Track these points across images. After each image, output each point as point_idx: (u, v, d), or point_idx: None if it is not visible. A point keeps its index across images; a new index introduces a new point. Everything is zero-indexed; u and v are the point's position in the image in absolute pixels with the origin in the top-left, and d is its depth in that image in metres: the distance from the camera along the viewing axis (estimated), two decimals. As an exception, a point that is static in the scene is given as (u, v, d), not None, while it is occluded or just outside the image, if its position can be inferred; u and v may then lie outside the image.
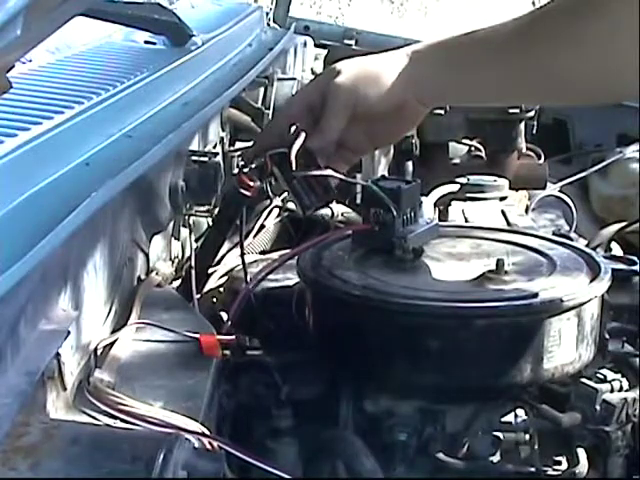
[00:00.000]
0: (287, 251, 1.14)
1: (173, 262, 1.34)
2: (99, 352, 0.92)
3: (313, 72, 2.60)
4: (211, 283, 1.36)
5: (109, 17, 1.38)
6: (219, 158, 1.28)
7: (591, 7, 0.96)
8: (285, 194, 1.47)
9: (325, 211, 1.55)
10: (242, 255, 1.19)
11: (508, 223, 1.52)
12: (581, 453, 1.07)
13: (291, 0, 2.76)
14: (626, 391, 1.10)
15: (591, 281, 1.09)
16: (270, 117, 1.81)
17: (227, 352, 1.11)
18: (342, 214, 1.56)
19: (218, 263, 1.43)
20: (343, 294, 1.06)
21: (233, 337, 1.05)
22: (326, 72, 1.09)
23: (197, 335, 0.99)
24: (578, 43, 0.97)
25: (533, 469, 1.05)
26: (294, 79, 2.06)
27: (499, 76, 1.04)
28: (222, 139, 1.63)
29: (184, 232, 1.35)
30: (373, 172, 1.95)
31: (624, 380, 1.10)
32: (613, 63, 0.96)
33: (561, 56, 0.98)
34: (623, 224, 1.70)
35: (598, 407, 1.07)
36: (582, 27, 0.96)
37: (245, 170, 1.04)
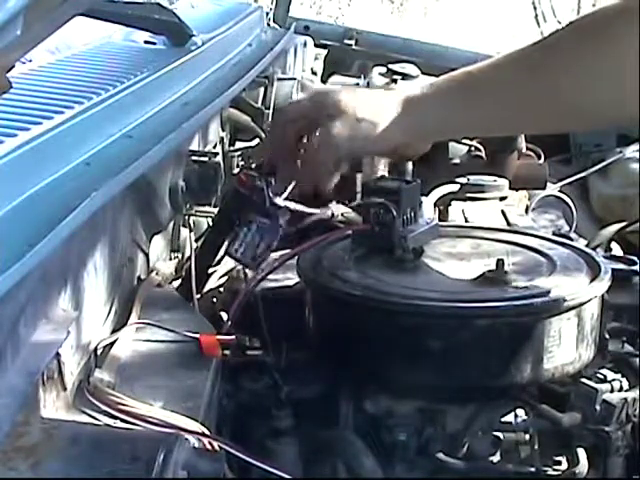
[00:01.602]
0: (287, 251, 1.14)
1: (172, 259, 1.34)
2: (99, 352, 0.92)
3: (313, 72, 2.60)
4: (211, 283, 1.36)
5: (109, 17, 1.38)
6: (219, 158, 1.28)
7: (596, 35, 0.96)
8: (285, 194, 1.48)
9: (325, 211, 1.55)
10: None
11: (508, 223, 1.52)
12: (581, 453, 1.07)
13: (291, 0, 2.76)
14: (626, 391, 1.10)
15: (591, 281, 1.09)
16: (270, 118, 1.81)
17: (227, 352, 1.11)
18: (342, 214, 1.56)
19: (218, 263, 1.43)
20: (343, 294, 1.06)
21: (233, 337, 1.04)
22: (320, 104, 1.06)
23: (197, 335, 0.99)
24: (585, 72, 0.98)
25: (533, 469, 1.05)
26: (294, 79, 2.06)
27: (503, 108, 1.04)
28: (222, 139, 1.64)
29: (184, 232, 1.35)
30: (373, 172, 1.95)
31: (624, 380, 1.10)
32: (621, 90, 0.96)
33: (569, 85, 0.98)
34: (623, 224, 1.70)
35: (598, 407, 1.07)
36: (589, 55, 0.97)
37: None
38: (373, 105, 1.05)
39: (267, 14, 2.52)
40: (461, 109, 1.05)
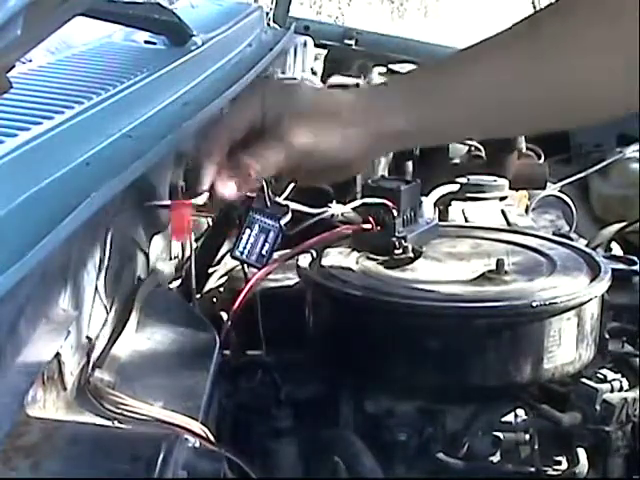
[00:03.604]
0: (287, 251, 1.14)
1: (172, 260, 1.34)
2: (99, 352, 0.92)
3: (313, 72, 2.61)
4: (211, 283, 1.36)
5: (109, 17, 1.38)
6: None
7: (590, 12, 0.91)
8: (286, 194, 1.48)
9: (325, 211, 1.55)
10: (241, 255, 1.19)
11: (508, 223, 1.52)
12: (581, 453, 1.07)
13: (291, 0, 2.76)
14: (626, 391, 1.10)
15: (591, 281, 1.09)
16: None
17: (227, 352, 1.11)
18: (342, 214, 1.56)
19: (218, 263, 1.43)
20: (343, 294, 1.06)
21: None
22: (280, 101, 0.95)
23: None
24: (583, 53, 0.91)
25: (533, 469, 1.05)
26: (294, 79, 2.06)
27: (484, 108, 0.93)
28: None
29: (184, 232, 1.34)
30: (373, 172, 1.95)
31: (624, 380, 1.10)
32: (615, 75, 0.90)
33: (559, 68, 0.91)
34: (623, 224, 1.70)
35: (598, 407, 1.07)
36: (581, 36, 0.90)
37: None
38: (336, 104, 0.95)
39: (267, 14, 2.52)
40: (430, 111, 0.94)
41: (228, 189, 0.94)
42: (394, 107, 0.94)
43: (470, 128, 0.99)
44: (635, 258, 1.26)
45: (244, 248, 1.02)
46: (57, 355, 0.79)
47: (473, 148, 2.09)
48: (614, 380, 1.09)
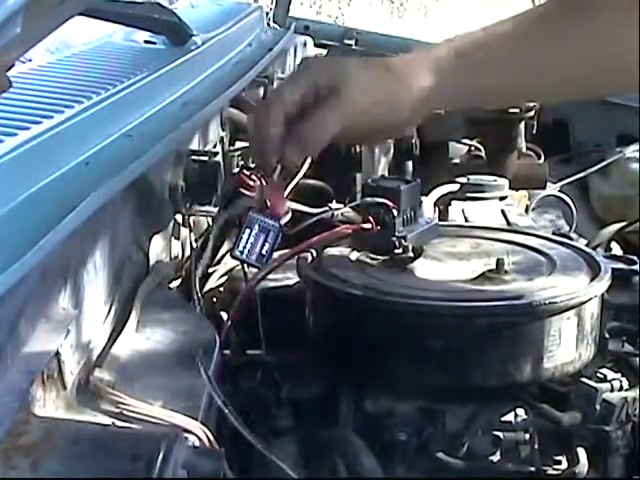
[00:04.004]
0: (287, 251, 1.14)
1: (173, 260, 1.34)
2: (99, 352, 0.92)
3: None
4: (211, 283, 1.36)
5: (109, 17, 1.38)
6: (219, 158, 1.28)
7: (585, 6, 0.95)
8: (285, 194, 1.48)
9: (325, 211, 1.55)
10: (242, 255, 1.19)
11: (508, 223, 1.52)
12: (581, 453, 1.07)
13: (291, 0, 2.77)
14: (626, 390, 1.10)
15: (591, 281, 1.09)
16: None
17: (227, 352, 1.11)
18: (342, 214, 1.56)
19: (218, 263, 1.43)
20: (343, 294, 1.06)
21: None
22: (338, 72, 0.96)
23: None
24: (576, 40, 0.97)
25: (533, 469, 1.05)
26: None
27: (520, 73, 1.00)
28: (222, 139, 1.63)
29: (184, 232, 1.34)
30: (373, 172, 1.95)
31: (624, 379, 1.10)
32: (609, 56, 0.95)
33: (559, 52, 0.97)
34: (623, 224, 1.70)
35: (598, 406, 1.07)
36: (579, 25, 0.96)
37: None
38: (391, 67, 0.99)
39: (267, 14, 2.52)
40: (481, 73, 0.99)
41: (295, 158, 0.96)
42: (449, 79, 0.98)
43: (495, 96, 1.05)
44: (635, 258, 1.26)
45: (244, 248, 1.02)
46: (57, 354, 0.79)
47: (473, 148, 2.09)
48: (614, 380, 1.09)
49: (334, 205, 1.53)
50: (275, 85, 1.82)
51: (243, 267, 1.13)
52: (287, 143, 0.94)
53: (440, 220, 1.46)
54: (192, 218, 1.34)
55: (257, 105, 0.98)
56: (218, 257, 1.44)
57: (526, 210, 1.84)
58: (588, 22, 0.97)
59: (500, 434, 1.05)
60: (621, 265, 1.23)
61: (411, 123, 1.08)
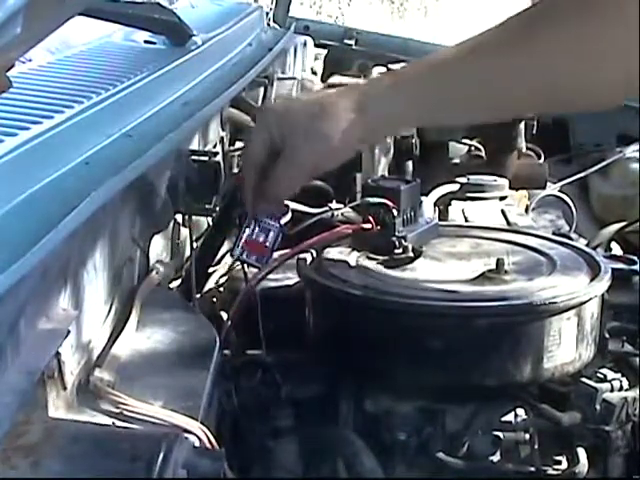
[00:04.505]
0: (287, 251, 1.14)
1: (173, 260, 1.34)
2: (99, 351, 0.92)
3: (313, 72, 2.60)
4: (211, 283, 1.36)
5: (109, 17, 1.38)
6: (219, 158, 1.28)
7: (582, 8, 0.93)
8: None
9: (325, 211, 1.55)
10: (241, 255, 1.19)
11: (508, 223, 1.52)
12: (581, 453, 1.07)
13: (291, 0, 2.76)
14: (626, 390, 1.10)
15: (591, 280, 1.09)
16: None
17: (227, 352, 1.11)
18: (342, 214, 1.56)
19: (218, 263, 1.43)
20: (343, 294, 1.06)
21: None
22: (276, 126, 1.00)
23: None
24: (576, 44, 0.93)
25: (533, 469, 1.05)
26: (294, 79, 2.06)
27: (483, 89, 0.97)
28: (222, 139, 1.63)
29: (184, 232, 1.34)
30: (373, 172, 1.95)
31: (624, 379, 1.10)
32: (609, 64, 0.92)
33: (559, 58, 0.93)
34: (623, 224, 1.70)
35: (598, 406, 1.07)
36: (578, 28, 0.93)
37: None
38: (326, 109, 0.98)
39: (267, 14, 2.52)
40: (434, 93, 0.98)
41: (270, 212, 1.03)
42: (387, 97, 0.98)
43: (468, 111, 1.02)
44: (635, 258, 1.26)
45: (243, 248, 1.02)
46: (57, 354, 0.79)
47: (473, 148, 2.09)
48: (614, 380, 1.10)
49: (334, 205, 1.53)
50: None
51: (243, 267, 1.13)
52: (259, 201, 1.01)
53: (440, 220, 1.46)
54: (192, 218, 1.34)
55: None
56: (218, 257, 1.44)
57: (526, 210, 1.84)
58: (559, 33, 0.93)
59: (500, 434, 1.05)
60: (621, 265, 1.23)
61: (363, 148, 1.14)
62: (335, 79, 2.31)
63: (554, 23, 0.93)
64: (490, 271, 1.08)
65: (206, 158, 1.25)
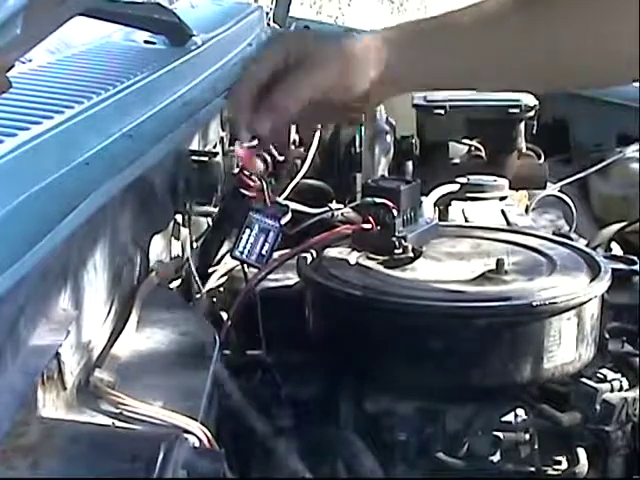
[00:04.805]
0: (287, 251, 1.14)
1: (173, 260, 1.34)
2: (99, 351, 0.92)
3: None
4: (211, 283, 1.36)
5: (109, 17, 1.38)
6: (219, 158, 1.28)
7: None
8: (285, 194, 1.48)
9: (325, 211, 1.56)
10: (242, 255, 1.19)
11: (508, 223, 1.52)
12: (581, 453, 1.07)
13: (291, 0, 2.76)
14: (626, 391, 1.10)
15: (591, 281, 1.09)
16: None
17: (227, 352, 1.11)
18: (342, 214, 1.56)
19: (218, 263, 1.43)
20: (343, 294, 1.06)
21: None
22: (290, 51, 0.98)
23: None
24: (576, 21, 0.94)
25: (533, 469, 1.05)
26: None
27: (488, 54, 0.98)
28: (222, 139, 1.63)
29: (184, 232, 1.34)
30: (373, 172, 1.95)
31: (624, 380, 1.10)
32: (610, 42, 0.93)
33: (560, 33, 0.94)
34: (623, 224, 1.70)
35: (598, 407, 1.07)
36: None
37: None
38: (343, 52, 0.98)
39: (267, 14, 2.52)
40: (443, 53, 0.98)
41: (266, 128, 0.97)
42: (412, 56, 0.98)
43: (473, 76, 1.02)
44: (635, 258, 1.26)
45: (244, 248, 1.02)
46: (57, 355, 0.79)
47: (473, 148, 2.09)
48: (614, 380, 1.10)
49: (334, 205, 1.53)
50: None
51: (243, 267, 1.13)
52: (258, 111, 0.96)
53: (440, 220, 1.46)
54: (192, 218, 1.34)
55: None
56: (218, 257, 1.44)
57: (526, 210, 1.84)
58: (562, 12, 0.94)
59: (500, 434, 1.05)
60: (621, 265, 1.23)
61: (367, 107, 1.10)
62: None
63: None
64: (490, 271, 1.09)
65: (206, 158, 1.25)
